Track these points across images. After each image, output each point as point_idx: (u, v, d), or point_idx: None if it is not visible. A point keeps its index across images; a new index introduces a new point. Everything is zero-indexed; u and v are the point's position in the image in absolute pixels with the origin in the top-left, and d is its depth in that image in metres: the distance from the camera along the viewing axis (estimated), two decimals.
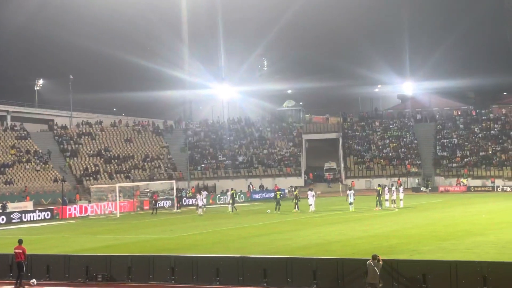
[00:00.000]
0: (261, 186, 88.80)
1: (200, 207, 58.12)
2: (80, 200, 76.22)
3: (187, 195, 76.28)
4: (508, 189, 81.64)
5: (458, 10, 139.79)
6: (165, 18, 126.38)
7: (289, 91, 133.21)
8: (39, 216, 59.14)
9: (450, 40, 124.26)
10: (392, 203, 56.06)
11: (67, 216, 60.95)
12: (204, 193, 62.41)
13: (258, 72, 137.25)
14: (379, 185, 57.94)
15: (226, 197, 70.66)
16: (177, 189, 73.67)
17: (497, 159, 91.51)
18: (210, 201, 64.67)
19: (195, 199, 65.29)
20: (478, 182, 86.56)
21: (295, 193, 58.08)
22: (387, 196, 56.23)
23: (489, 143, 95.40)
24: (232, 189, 64.84)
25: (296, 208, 55.44)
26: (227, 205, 62.10)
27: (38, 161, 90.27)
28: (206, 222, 50.59)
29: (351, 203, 54.05)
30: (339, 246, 32.41)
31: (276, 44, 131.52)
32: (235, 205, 60.54)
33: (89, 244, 37.98)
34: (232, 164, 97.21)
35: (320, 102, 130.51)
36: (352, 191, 55.99)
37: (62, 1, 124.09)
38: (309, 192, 56.33)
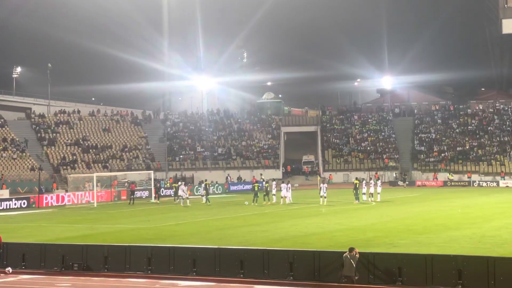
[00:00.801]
0: (239, 178, 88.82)
1: (183, 198, 57.79)
2: (57, 189, 75.79)
3: (165, 185, 76.10)
4: (484, 184, 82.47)
5: (436, 4, 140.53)
6: (143, 10, 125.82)
7: (269, 83, 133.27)
8: (15, 204, 58.70)
9: (428, 35, 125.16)
10: (369, 196, 56.36)
11: (44, 205, 60.55)
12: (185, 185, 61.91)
13: (238, 64, 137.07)
14: (356, 179, 58.15)
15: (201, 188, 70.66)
16: (155, 179, 73.50)
17: (474, 154, 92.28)
18: (188, 192, 64.50)
19: (173, 190, 65.19)
20: (454, 177, 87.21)
21: (265, 185, 58.16)
22: (364, 190, 56.48)
23: (467, 138, 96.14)
24: (205, 181, 65.51)
25: (267, 200, 55.75)
26: (201, 197, 62.13)
27: (15, 149, 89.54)
28: (184, 213, 50.55)
29: (322, 196, 53.80)
30: (316, 238, 32.54)
31: (255, 35, 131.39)
32: (208, 196, 60.42)
33: (66, 233, 37.79)
34: (210, 156, 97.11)
35: (299, 95, 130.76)
36: (325, 185, 55.76)
37: None
38: (282, 185, 56.87)
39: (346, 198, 58.86)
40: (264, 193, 56.82)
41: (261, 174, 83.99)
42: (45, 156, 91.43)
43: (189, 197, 60.34)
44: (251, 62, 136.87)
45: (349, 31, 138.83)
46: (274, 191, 57.41)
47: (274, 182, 60.03)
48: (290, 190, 56.40)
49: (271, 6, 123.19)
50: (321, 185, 55.41)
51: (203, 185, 63.05)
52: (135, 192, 64.97)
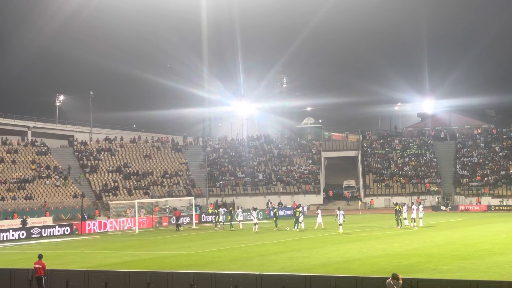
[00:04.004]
0: (280, 204, 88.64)
1: (256, 224, 56.73)
2: (99, 215, 76.54)
3: (207, 211, 76.33)
4: None
5: (477, 27, 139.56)
6: (184, 37, 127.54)
7: (308, 109, 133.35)
8: (58, 231, 59.36)
9: (470, 58, 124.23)
10: (411, 221, 55.69)
11: (86, 232, 61.12)
12: (254, 211, 61.06)
13: (277, 89, 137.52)
14: (396, 204, 57.46)
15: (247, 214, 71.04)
16: (196, 205, 73.87)
17: None
18: (229, 218, 64.74)
19: (213, 216, 65.38)
20: (498, 202, 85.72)
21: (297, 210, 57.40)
22: (405, 215, 55.75)
23: (510, 162, 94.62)
24: (230, 207, 68.22)
25: (295, 227, 55.18)
26: (237, 223, 62.34)
27: (57, 177, 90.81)
28: (224, 239, 50.50)
29: (340, 224, 51.44)
30: (358, 264, 32.20)
31: (295, 61, 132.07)
32: (232, 222, 61.69)
33: (108, 259, 38.03)
34: (251, 181, 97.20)
35: (339, 120, 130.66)
36: (341, 211, 52.46)
37: (84, 21, 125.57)
38: (339, 212, 53.40)
39: (388, 223, 58.23)
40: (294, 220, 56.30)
41: (269, 200, 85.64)
42: (83, 179, 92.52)
43: (239, 222, 61.00)
44: (291, 87, 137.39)
45: (389, 55, 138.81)
46: (319, 219, 56.32)
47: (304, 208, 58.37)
48: (343, 216, 52.54)
49: (311, 32, 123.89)
50: (338, 211, 52.67)
51: (221, 210, 63.61)
52: (180, 218, 64.98)
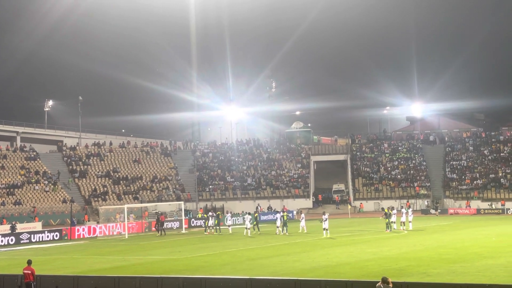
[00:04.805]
0: (269, 208, 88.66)
1: (248, 228, 56.61)
2: (88, 221, 76.26)
3: (197, 216, 76.25)
4: None
5: (466, 32, 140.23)
6: (173, 41, 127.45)
7: (298, 113, 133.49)
8: (48, 236, 59.15)
9: (458, 62, 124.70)
10: (401, 225, 55.80)
11: (76, 237, 60.95)
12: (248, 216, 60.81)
13: (266, 94, 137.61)
14: (387, 208, 57.57)
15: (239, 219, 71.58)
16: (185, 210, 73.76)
17: (507, 181, 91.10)
18: (215, 222, 64.75)
19: (203, 220, 65.40)
20: (487, 205, 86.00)
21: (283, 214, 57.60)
22: (394, 218, 55.79)
23: (499, 165, 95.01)
24: (217, 211, 68.33)
25: (284, 231, 55.37)
26: (227, 227, 62.47)
27: (47, 182, 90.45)
28: (214, 243, 50.49)
29: (325, 229, 50.95)
30: (348, 268, 32.23)
31: (284, 65, 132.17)
32: (221, 227, 61.95)
33: (98, 265, 37.91)
34: (240, 186, 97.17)
35: (329, 124, 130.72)
36: (326, 216, 52.02)
37: (73, 26, 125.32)
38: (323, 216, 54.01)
39: (377, 227, 58.34)
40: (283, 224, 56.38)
41: (258, 205, 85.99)
42: (72, 183, 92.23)
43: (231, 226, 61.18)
44: (280, 91, 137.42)
45: (378, 59, 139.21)
46: (303, 224, 57.09)
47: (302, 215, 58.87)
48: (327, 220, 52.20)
49: (300, 36, 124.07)
50: (323, 216, 52.25)
51: (209, 214, 63.43)
52: (164, 223, 65.03)
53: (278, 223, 56.91)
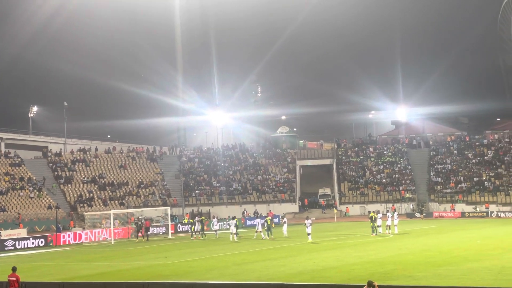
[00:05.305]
0: (256, 213, 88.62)
1: (233, 233, 56.23)
2: (74, 227, 75.92)
3: (183, 221, 76.05)
4: (503, 214, 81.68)
5: (450, 36, 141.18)
6: (158, 46, 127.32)
7: (283, 117, 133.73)
8: (33, 243, 58.85)
9: (443, 66, 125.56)
10: (386, 229, 56.01)
11: (61, 243, 60.68)
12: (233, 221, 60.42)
13: (252, 99, 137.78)
14: (372, 211, 57.67)
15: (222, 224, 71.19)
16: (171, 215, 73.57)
17: (491, 184, 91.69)
18: (205, 228, 64.75)
19: (189, 225, 65.32)
20: (472, 208, 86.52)
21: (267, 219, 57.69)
22: (379, 222, 55.95)
23: (483, 169, 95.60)
24: (201, 216, 68.10)
25: (267, 236, 55.39)
26: (213, 232, 62.46)
27: (32, 188, 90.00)
28: (201, 248, 50.44)
29: (309, 234, 50.63)
30: (334, 272, 32.32)
31: (269, 70, 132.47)
32: (204, 232, 61.78)
33: (84, 271, 37.78)
34: (226, 191, 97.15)
35: (314, 128, 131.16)
36: (309, 221, 51.55)
37: (57, 30, 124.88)
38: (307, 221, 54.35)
39: (363, 231, 58.52)
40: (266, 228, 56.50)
41: (244, 209, 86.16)
42: (57, 188, 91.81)
43: (205, 232, 60.74)
44: (265, 96, 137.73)
45: (364, 64, 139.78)
46: (286, 228, 57.35)
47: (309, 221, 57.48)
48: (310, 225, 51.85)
49: (285, 41, 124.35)
50: (306, 220, 51.98)
51: (233, 221, 61.78)
52: (150, 229, 64.89)
53: (260, 228, 57.27)
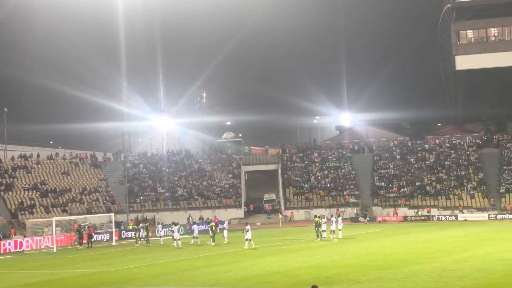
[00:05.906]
0: (201, 218, 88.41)
1: (176, 239, 55.90)
2: (15, 235, 74.43)
3: (127, 228, 75.32)
4: (443, 218, 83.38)
5: (393, 44, 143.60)
6: (102, 50, 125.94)
7: (228, 123, 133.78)
8: None
9: (385, 73, 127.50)
10: (331, 233, 56.53)
11: (1, 252, 59.36)
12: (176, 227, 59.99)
13: (197, 104, 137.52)
14: (317, 216, 58.06)
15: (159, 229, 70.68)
16: (116, 222, 72.83)
17: (433, 189, 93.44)
18: (150, 234, 64.31)
19: (134, 232, 64.79)
20: (414, 212, 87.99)
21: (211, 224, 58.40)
22: (324, 227, 56.42)
23: (425, 173, 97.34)
24: (146, 223, 68.76)
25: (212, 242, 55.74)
26: (158, 238, 62.38)
27: None
28: (145, 255, 50.07)
29: (247, 239, 50.17)
30: (279, 277, 32.47)
31: (215, 76, 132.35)
32: (149, 238, 62.42)
33: (25, 279, 37.09)
34: (171, 196, 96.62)
35: (259, 134, 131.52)
36: (248, 226, 51.24)
37: None
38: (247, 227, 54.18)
39: (308, 236, 58.94)
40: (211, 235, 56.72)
41: (190, 215, 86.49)
42: None
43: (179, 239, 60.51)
44: (211, 103, 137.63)
45: (308, 69, 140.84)
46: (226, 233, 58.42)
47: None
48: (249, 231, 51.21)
49: (231, 48, 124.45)
50: (245, 226, 51.90)
51: (175, 227, 61.34)
52: (93, 235, 64.16)
53: (196, 233, 58.11)
